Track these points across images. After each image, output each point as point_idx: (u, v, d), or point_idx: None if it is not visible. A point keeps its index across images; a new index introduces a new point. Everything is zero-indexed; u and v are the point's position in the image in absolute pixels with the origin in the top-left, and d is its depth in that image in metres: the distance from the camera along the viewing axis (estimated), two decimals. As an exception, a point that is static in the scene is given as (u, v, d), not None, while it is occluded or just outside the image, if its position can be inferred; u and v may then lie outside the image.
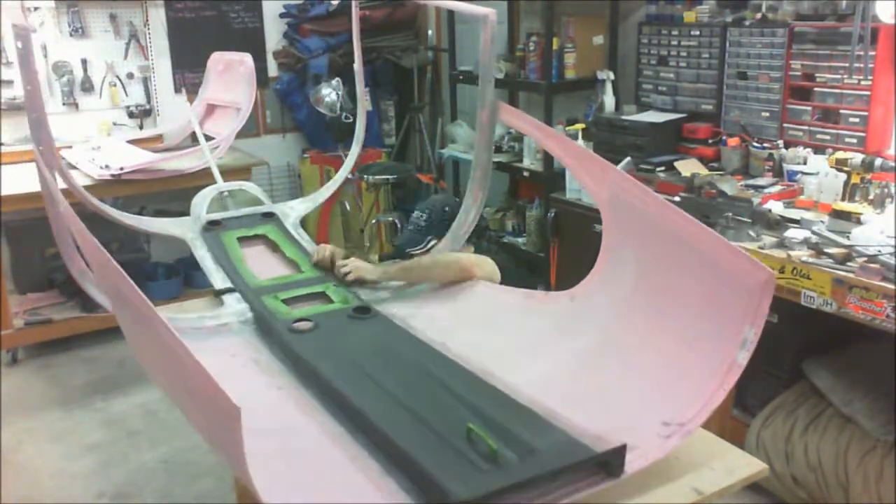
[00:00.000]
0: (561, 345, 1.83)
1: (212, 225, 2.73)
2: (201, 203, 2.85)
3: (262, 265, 2.51)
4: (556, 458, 1.38)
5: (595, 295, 1.90)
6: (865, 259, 2.36)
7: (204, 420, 1.41)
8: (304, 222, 2.93)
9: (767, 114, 3.25)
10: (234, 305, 2.23)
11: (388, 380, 1.69)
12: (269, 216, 2.82)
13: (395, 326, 2.04)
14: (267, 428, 1.59)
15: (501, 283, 2.31)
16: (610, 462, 1.40)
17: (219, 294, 2.32)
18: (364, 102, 3.29)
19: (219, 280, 2.40)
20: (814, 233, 2.57)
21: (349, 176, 4.86)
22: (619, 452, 1.40)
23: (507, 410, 1.55)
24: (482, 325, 2.08)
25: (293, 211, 2.89)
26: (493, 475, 1.33)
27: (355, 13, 3.05)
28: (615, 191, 1.90)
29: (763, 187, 3.01)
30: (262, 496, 1.16)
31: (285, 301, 2.20)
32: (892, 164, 2.68)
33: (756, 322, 1.49)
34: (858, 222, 2.57)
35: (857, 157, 2.75)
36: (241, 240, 2.65)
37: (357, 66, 3.15)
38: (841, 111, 2.99)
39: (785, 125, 3.19)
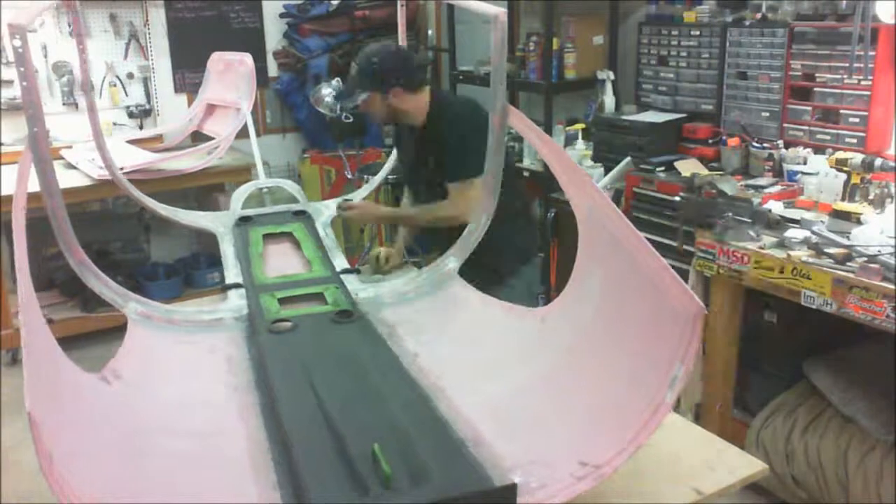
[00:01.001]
0: (518, 368, 1.79)
1: (243, 220, 2.75)
2: (238, 198, 2.88)
3: (279, 263, 2.51)
4: (444, 488, 1.34)
5: (561, 317, 1.85)
6: (865, 259, 2.36)
7: None
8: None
9: (767, 114, 3.25)
10: (235, 301, 2.23)
11: (328, 390, 1.66)
12: (301, 214, 2.83)
13: (371, 334, 2.01)
14: (194, 429, 1.59)
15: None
16: (500, 500, 1.36)
17: (226, 289, 2.31)
18: None
19: (233, 275, 2.40)
20: (814, 233, 2.57)
21: (349, 176, 4.90)
22: (510, 491, 1.36)
23: (428, 434, 1.52)
24: (459, 339, 2.04)
25: (327, 210, 2.88)
26: (374, 500, 1.31)
27: (401, 14, 3.06)
28: (591, 206, 1.87)
29: (763, 187, 3.01)
30: (61, 497, 1.12)
31: (281, 300, 2.20)
32: (892, 164, 2.68)
33: (686, 358, 1.39)
34: (858, 222, 2.57)
35: (857, 157, 2.75)
36: (268, 236, 2.65)
37: None
38: (841, 111, 2.99)
39: (785, 125, 3.19)
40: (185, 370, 1.90)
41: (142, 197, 2.80)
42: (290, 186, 3.08)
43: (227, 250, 2.58)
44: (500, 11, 2.25)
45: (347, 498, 1.31)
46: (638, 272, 1.58)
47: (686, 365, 1.39)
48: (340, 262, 2.51)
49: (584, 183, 1.94)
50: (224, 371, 1.88)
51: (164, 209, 2.83)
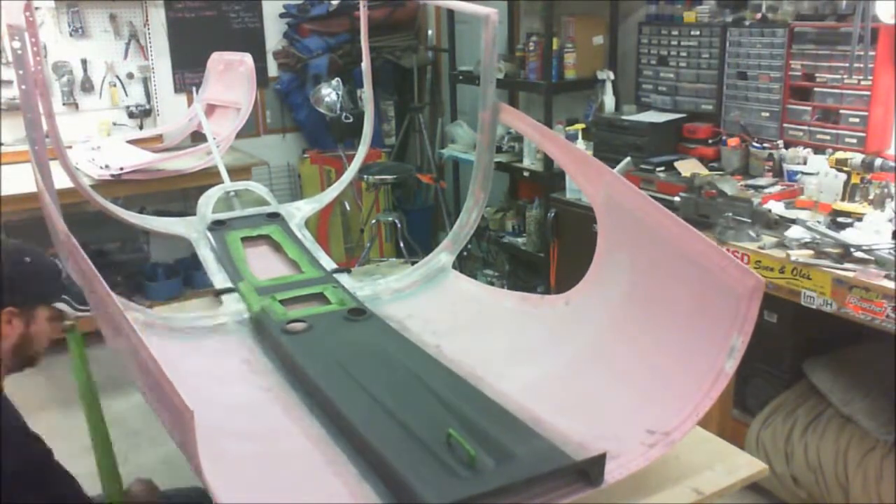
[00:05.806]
0: (552, 350, 1.82)
1: (216, 224, 2.73)
2: (207, 202, 2.85)
3: (263, 265, 2.51)
4: (534, 465, 1.36)
5: (589, 300, 1.88)
6: (865, 259, 2.36)
7: (167, 419, 1.41)
8: (305, 223, 2.93)
9: (767, 114, 3.25)
10: (233, 305, 2.23)
11: (374, 383, 1.68)
12: (275, 216, 2.81)
13: (388, 329, 2.03)
14: (248, 430, 1.59)
15: (501, 283, 2.30)
16: (589, 470, 1.38)
17: (218, 294, 2.31)
18: (371, 102, 3.28)
19: (219, 280, 2.39)
20: (813, 232, 2.57)
21: (349, 176, 4.90)
22: (599, 461, 1.38)
23: (490, 416, 1.54)
24: (477, 328, 2.06)
25: (299, 211, 2.88)
26: (468, 481, 1.32)
27: (364, 12, 3.05)
28: (609, 193, 1.89)
29: (763, 187, 3.01)
30: (217, 496, 1.15)
31: (282, 302, 2.20)
32: (892, 164, 2.68)
33: (744, 329, 1.47)
34: (858, 222, 2.57)
35: (857, 157, 2.75)
36: (245, 240, 2.64)
37: (364, 65, 3.14)
38: (841, 111, 2.99)
39: (785, 125, 3.19)
40: (207, 376, 1.88)
41: (109, 205, 2.78)
42: (258, 189, 3.05)
43: (207, 255, 2.55)
44: (492, 12, 2.26)
45: (444, 482, 1.32)
46: (675, 252, 1.64)
47: (744, 335, 1.47)
48: (327, 261, 2.52)
49: (598, 171, 1.95)
50: (247, 374, 1.87)
51: (132, 217, 2.81)
